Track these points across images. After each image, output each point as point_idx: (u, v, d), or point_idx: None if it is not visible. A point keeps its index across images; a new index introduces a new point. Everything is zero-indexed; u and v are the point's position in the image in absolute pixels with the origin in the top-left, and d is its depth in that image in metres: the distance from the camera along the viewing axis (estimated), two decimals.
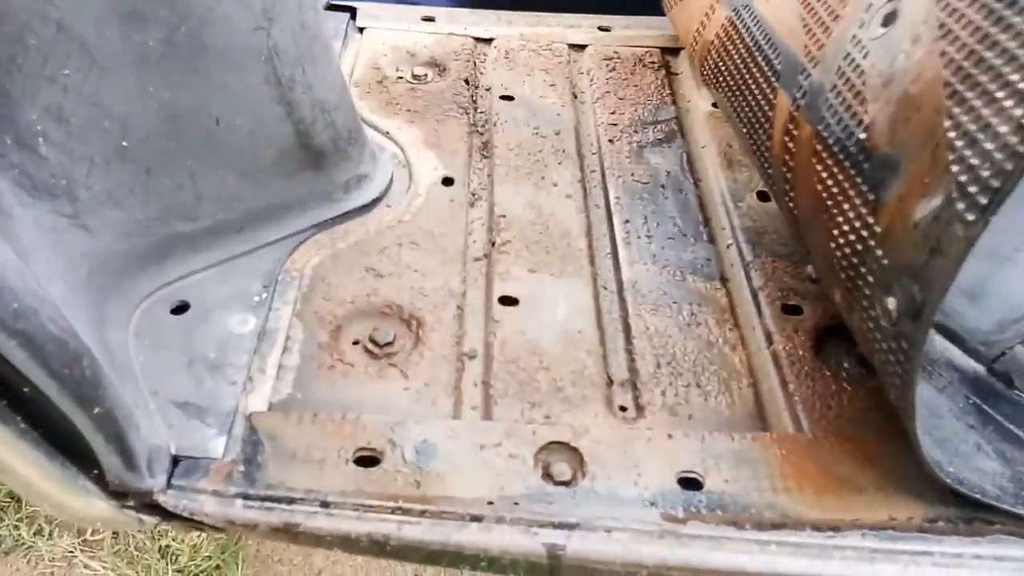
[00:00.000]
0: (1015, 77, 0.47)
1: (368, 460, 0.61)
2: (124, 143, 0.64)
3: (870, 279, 0.59)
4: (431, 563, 0.60)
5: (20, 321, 0.45)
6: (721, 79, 0.91)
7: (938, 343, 0.72)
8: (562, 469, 0.61)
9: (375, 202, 0.85)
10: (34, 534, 1.23)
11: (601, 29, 1.18)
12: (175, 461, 0.60)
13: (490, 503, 0.59)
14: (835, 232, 0.63)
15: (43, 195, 0.60)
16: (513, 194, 0.89)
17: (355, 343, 0.71)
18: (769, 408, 0.68)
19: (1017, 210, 0.69)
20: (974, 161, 0.48)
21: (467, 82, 1.05)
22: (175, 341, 0.69)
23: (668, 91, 1.06)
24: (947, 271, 0.49)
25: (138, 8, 0.59)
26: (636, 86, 1.07)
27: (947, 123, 0.51)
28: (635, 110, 1.03)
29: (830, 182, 0.64)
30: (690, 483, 0.61)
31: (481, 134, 0.97)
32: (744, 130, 0.84)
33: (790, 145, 0.72)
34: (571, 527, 0.58)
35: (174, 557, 1.21)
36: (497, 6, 1.21)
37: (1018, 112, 0.46)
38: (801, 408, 0.67)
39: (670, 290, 0.79)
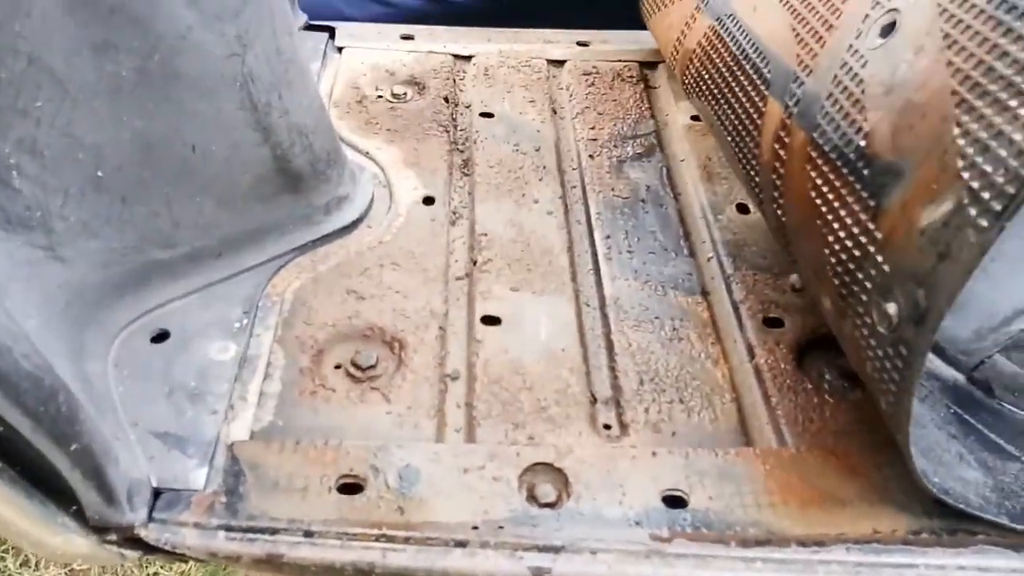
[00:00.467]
0: None
1: (351, 487, 0.60)
2: (99, 173, 0.64)
3: (868, 285, 0.59)
4: None
5: None
6: (704, 88, 0.92)
7: None
8: (547, 490, 0.61)
9: (356, 223, 0.85)
10: (20, 565, 1.22)
11: (580, 44, 1.19)
12: (156, 494, 0.60)
13: (475, 527, 0.59)
14: (830, 238, 0.64)
15: (17, 228, 0.60)
16: (494, 212, 0.89)
17: (337, 367, 0.71)
18: (752, 423, 0.68)
19: None
20: (987, 168, 0.48)
21: (447, 100, 1.05)
22: (155, 370, 0.68)
23: (647, 105, 1.07)
24: (957, 276, 0.50)
25: (109, 38, 0.59)
26: (615, 100, 1.07)
27: (956, 130, 0.52)
28: (614, 125, 1.03)
29: (825, 188, 0.65)
30: (675, 501, 0.61)
31: (461, 152, 0.98)
32: (729, 139, 0.85)
33: (781, 152, 0.72)
34: (556, 550, 0.58)
35: None
36: (476, 23, 1.22)
37: None
38: (784, 422, 0.68)
39: (652, 305, 0.79)
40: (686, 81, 0.97)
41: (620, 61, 1.15)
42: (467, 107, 1.05)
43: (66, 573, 1.20)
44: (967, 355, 0.70)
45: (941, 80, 0.53)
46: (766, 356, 0.73)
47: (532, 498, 0.61)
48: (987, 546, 0.60)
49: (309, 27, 1.16)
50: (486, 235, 0.86)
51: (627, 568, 0.57)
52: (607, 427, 0.68)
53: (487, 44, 1.17)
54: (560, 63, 1.15)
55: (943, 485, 0.59)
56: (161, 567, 1.18)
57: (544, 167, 0.96)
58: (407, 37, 1.17)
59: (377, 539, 0.58)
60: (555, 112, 1.06)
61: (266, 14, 0.69)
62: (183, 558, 0.59)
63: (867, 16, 0.64)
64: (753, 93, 0.79)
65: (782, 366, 0.72)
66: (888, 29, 0.61)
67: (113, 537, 0.58)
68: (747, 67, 0.81)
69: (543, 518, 0.59)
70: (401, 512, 0.59)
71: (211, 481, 0.60)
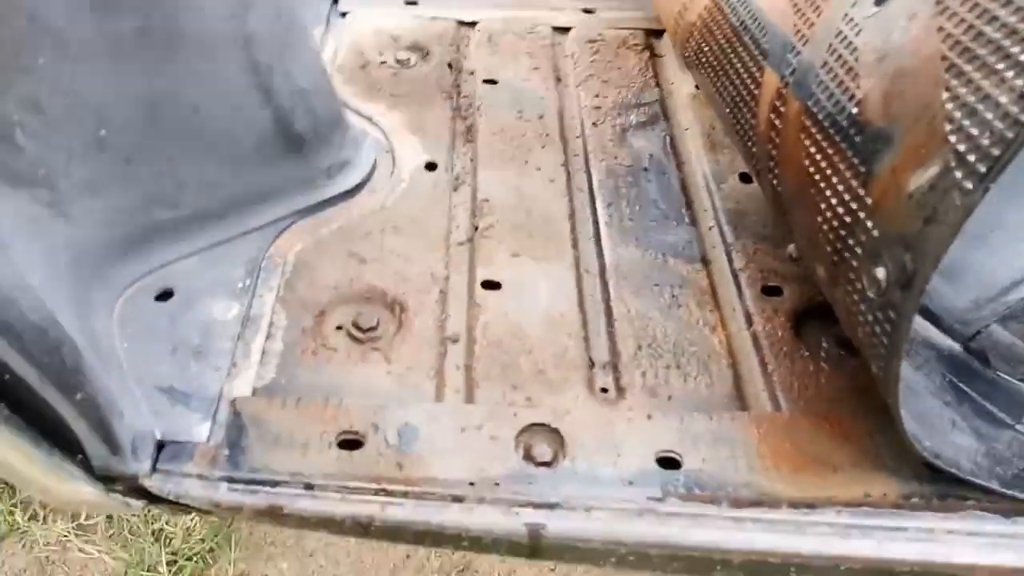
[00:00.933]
0: (1016, 49, 0.48)
1: (351, 443, 0.61)
2: (102, 132, 0.64)
3: (858, 251, 0.59)
4: (415, 543, 0.61)
5: None
6: (704, 60, 0.91)
7: (917, 322, 0.73)
8: (543, 450, 0.62)
9: (358, 188, 0.85)
10: (29, 519, 1.25)
11: (585, 11, 1.17)
12: (160, 446, 0.61)
13: (471, 484, 0.60)
14: (823, 206, 0.64)
15: (22, 184, 0.60)
16: (496, 178, 0.89)
17: (338, 328, 0.71)
18: (748, 388, 0.69)
19: (992, 194, 0.70)
20: (973, 131, 0.49)
21: (450, 66, 1.05)
22: (159, 328, 0.69)
23: (651, 73, 1.06)
24: (942, 239, 0.50)
25: None
26: (620, 69, 1.07)
27: (945, 95, 0.52)
28: (618, 93, 1.03)
29: (819, 156, 0.65)
30: (669, 463, 0.62)
31: (464, 118, 0.97)
32: (727, 110, 0.85)
33: (777, 123, 0.72)
34: (551, 507, 0.59)
35: (167, 540, 1.22)
36: None
37: (1019, 83, 0.47)
38: (779, 388, 0.68)
39: (652, 273, 0.80)
40: (687, 54, 0.97)
41: (626, 29, 1.14)
42: (471, 73, 1.05)
43: (74, 528, 1.22)
44: (964, 325, 0.70)
45: (932, 45, 0.53)
46: (764, 324, 0.74)
47: (529, 457, 0.62)
48: (977, 511, 0.60)
49: None
50: (488, 201, 0.86)
51: (620, 526, 0.59)
52: (604, 390, 0.69)
53: (492, 10, 1.16)
54: (565, 30, 1.14)
55: (935, 450, 0.59)
56: (166, 523, 1.21)
57: (547, 134, 0.96)
58: (411, 2, 1.16)
59: (376, 493, 0.59)
60: (559, 79, 1.05)
61: None
62: (186, 508, 0.60)
63: None
64: (751, 64, 0.79)
65: (779, 333, 0.73)
66: None
67: (118, 486, 0.59)
68: (746, 38, 0.81)
69: (539, 477, 0.61)
70: (400, 468, 0.60)
71: (214, 435, 0.62)
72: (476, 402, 0.67)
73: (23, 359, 0.48)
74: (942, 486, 0.61)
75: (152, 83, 0.65)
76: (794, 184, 0.70)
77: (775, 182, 0.75)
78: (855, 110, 0.61)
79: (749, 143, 0.80)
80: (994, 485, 0.60)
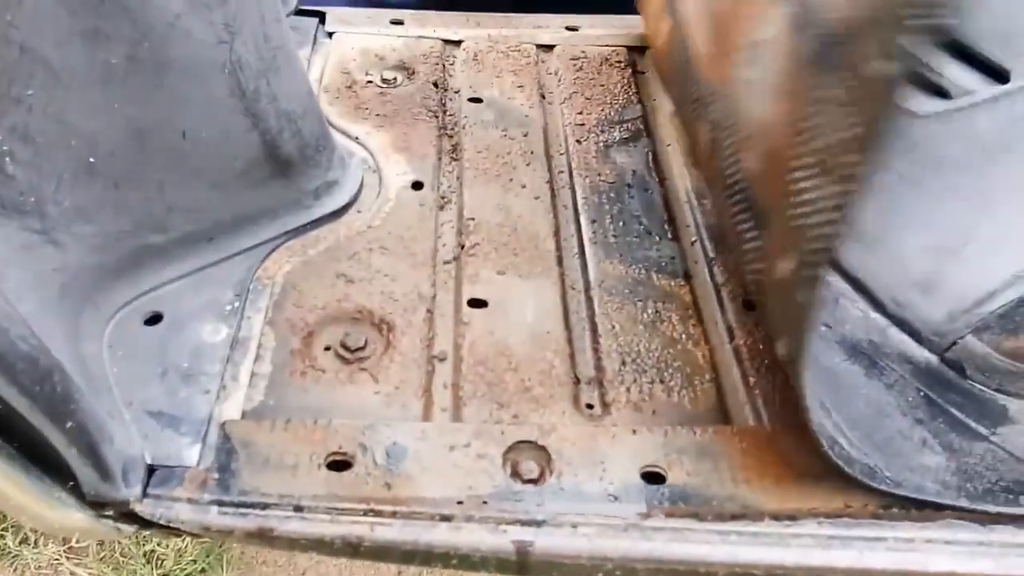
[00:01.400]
0: (829, 159, 0.48)
1: (340, 464, 0.62)
2: (91, 159, 0.65)
3: (768, 315, 0.61)
4: (404, 563, 0.62)
5: None
6: (668, 87, 0.93)
7: (893, 335, 0.74)
8: (530, 467, 0.63)
9: (345, 208, 0.86)
10: (20, 543, 1.24)
11: (569, 29, 1.19)
12: (151, 470, 0.61)
13: (459, 503, 0.61)
14: (746, 268, 0.66)
15: (12, 213, 0.61)
16: (482, 196, 0.91)
17: (327, 349, 0.72)
18: (731, 402, 0.70)
19: (965, 207, 0.72)
20: (811, 233, 0.50)
21: (436, 85, 1.06)
22: (149, 352, 0.70)
23: (634, 90, 1.08)
24: (806, 330, 0.52)
25: (99, 26, 0.60)
26: (603, 86, 1.09)
27: (792, 187, 0.53)
28: (602, 110, 1.04)
29: (733, 220, 0.67)
30: (654, 477, 0.63)
31: (450, 137, 0.99)
32: (688, 140, 0.87)
33: (710, 175, 0.74)
34: (538, 524, 0.60)
35: (159, 562, 1.22)
36: (466, 7, 1.22)
37: (835, 189, 0.47)
38: (761, 402, 0.70)
39: (636, 288, 0.81)
40: (661, 75, 0.99)
41: (608, 46, 1.15)
42: (456, 92, 1.06)
43: (65, 551, 1.22)
44: (940, 336, 0.72)
45: (785, 126, 0.54)
46: (746, 338, 0.75)
47: (516, 475, 0.63)
48: (954, 520, 0.62)
49: (299, 12, 1.16)
50: (474, 219, 0.87)
51: (606, 541, 0.60)
52: (590, 406, 0.70)
53: (476, 29, 1.18)
54: (549, 48, 1.16)
55: (896, 479, 0.61)
56: (158, 544, 1.21)
57: (532, 152, 0.97)
58: (397, 22, 1.17)
59: (365, 513, 0.60)
60: (543, 97, 1.07)
61: (253, 1, 0.70)
62: (177, 532, 0.61)
63: (754, 42, 0.65)
64: (692, 110, 0.80)
65: (761, 347, 0.74)
66: (758, 60, 0.62)
67: (109, 512, 0.60)
68: (688, 81, 0.82)
69: (526, 494, 0.62)
70: (388, 488, 0.61)
71: (204, 458, 0.62)
72: (464, 420, 0.68)
73: (13, 388, 0.49)
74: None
75: (141, 110, 0.66)
76: (730, 235, 0.72)
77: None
78: (745, 184, 0.62)
79: (704, 171, 0.82)
80: (963, 503, 0.61)
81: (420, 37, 1.15)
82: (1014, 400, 0.70)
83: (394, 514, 0.60)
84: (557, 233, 0.87)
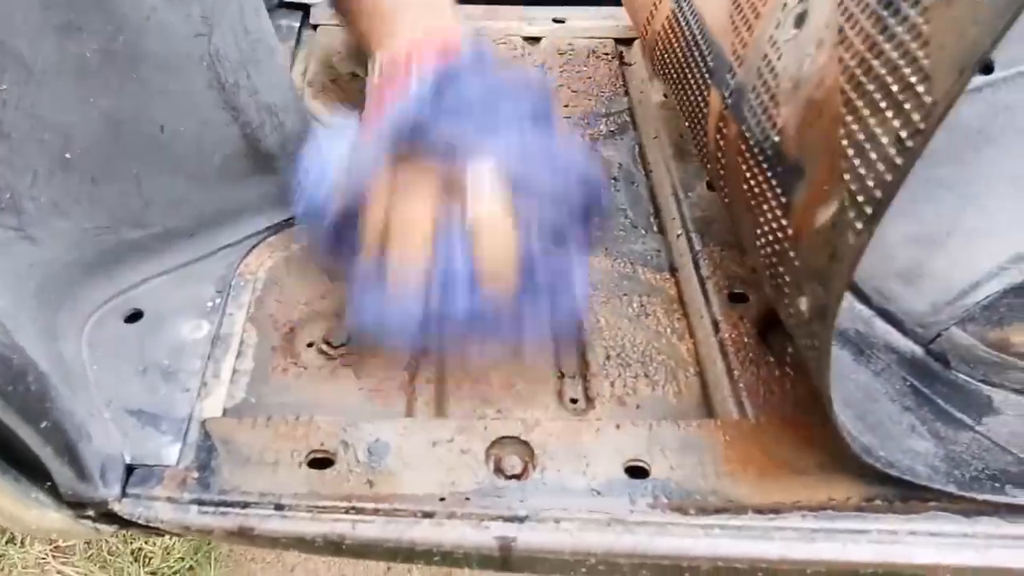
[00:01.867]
0: (896, 88, 0.47)
1: (321, 461, 0.62)
2: (67, 154, 0.64)
3: (787, 279, 0.60)
4: (387, 560, 0.62)
5: None
6: (665, 71, 0.92)
7: (879, 326, 0.74)
8: (513, 463, 0.63)
9: None
10: (5, 542, 1.23)
11: (556, 21, 1.19)
12: (130, 469, 0.61)
13: (442, 499, 0.60)
14: (758, 231, 0.65)
15: None
16: None
17: (309, 345, 0.72)
18: (715, 395, 0.70)
19: (949, 198, 0.71)
20: (862, 171, 0.49)
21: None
22: (129, 349, 0.69)
23: (621, 82, 1.08)
24: (842, 276, 0.51)
25: (72, 20, 0.59)
26: (590, 78, 1.08)
27: (841, 131, 0.52)
28: (589, 103, 1.04)
29: (752, 182, 0.66)
30: (637, 471, 0.63)
31: None
32: (686, 124, 0.86)
33: (721, 143, 0.73)
34: (521, 519, 0.59)
35: (147, 560, 1.22)
36: None
37: (896, 124, 0.46)
38: (746, 394, 0.69)
39: (621, 282, 0.81)
40: (653, 63, 0.98)
41: (595, 38, 1.15)
42: None
43: (51, 550, 1.22)
44: (925, 327, 0.72)
45: (833, 78, 0.53)
46: (730, 331, 0.75)
47: (499, 470, 0.63)
48: (938, 512, 0.62)
49: (283, 5, 1.15)
50: None
51: (589, 536, 0.59)
52: (574, 401, 0.70)
53: (463, 21, 1.16)
54: (536, 40, 1.15)
55: (889, 458, 0.61)
56: (145, 542, 1.20)
57: None
58: None
59: (347, 511, 0.59)
60: None
61: None
62: (158, 532, 0.60)
63: (785, 4, 0.64)
64: (700, 82, 0.80)
65: (745, 340, 0.74)
66: (801, 19, 0.61)
67: (88, 512, 0.59)
68: (696, 55, 0.82)
69: (509, 489, 0.61)
70: (370, 485, 0.61)
71: (184, 457, 0.62)
72: (447, 416, 0.67)
73: None
74: (904, 488, 0.62)
75: (117, 103, 0.65)
76: (738, 205, 0.71)
77: (726, 199, 0.76)
78: (776, 138, 0.61)
79: (704, 158, 0.81)
80: (951, 488, 0.61)
81: None
82: (999, 391, 0.70)
83: (376, 511, 0.59)
84: None
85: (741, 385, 0.70)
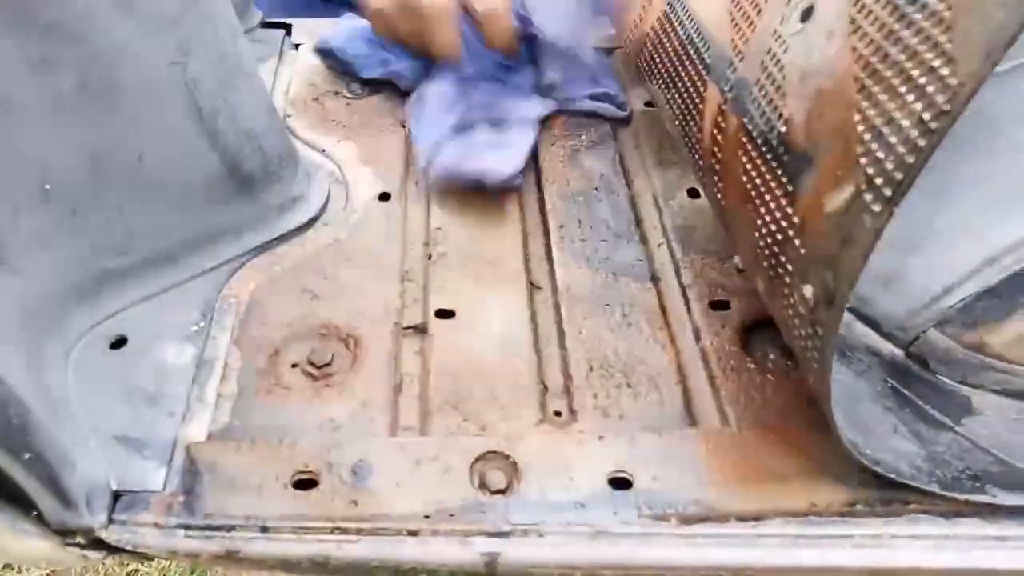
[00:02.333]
0: (916, 72, 0.49)
1: (306, 483, 0.62)
2: (46, 185, 0.65)
3: (790, 267, 0.61)
4: None
5: None
6: (656, 71, 0.93)
7: (858, 329, 0.75)
8: (497, 478, 0.63)
9: (312, 222, 0.86)
10: (3, 568, 1.24)
11: None
12: (116, 496, 0.61)
13: (427, 516, 0.61)
14: (759, 222, 0.66)
15: None
16: (450, 206, 0.91)
17: (293, 366, 0.72)
18: (697, 404, 0.71)
19: (923, 202, 0.72)
20: (880, 154, 0.50)
21: (404, 94, 1.06)
22: (114, 376, 0.70)
23: None
24: (856, 260, 0.52)
25: (47, 55, 0.60)
26: None
27: (856, 117, 0.53)
28: (569, 113, 1.04)
29: (754, 174, 0.67)
30: (620, 483, 0.64)
31: None
32: (677, 123, 0.87)
33: (719, 137, 0.74)
34: (505, 535, 0.60)
35: None
36: None
37: (918, 106, 0.48)
38: (727, 403, 0.70)
39: (603, 293, 0.81)
40: (641, 64, 0.99)
41: None
42: None
43: (47, 574, 1.22)
44: (903, 331, 0.72)
45: (846, 67, 0.55)
46: (712, 339, 0.75)
47: (483, 486, 0.63)
48: (919, 515, 0.62)
49: (265, 24, 1.16)
50: (440, 229, 0.87)
51: (574, 549, 0.60)
52: (557, 414, 0.70)
53: None
54: None
55: (874, 456, 0.61)
56: (141, 564, 1.21)
57: None
58: None
59: (331, 532, 0.60)
60: None
61: (207, 20, 0.70)
62: (146, 557, 0.61)
63: (790, 0, 0.66)
64: (696, 78, 0.81)
65: (727, 348, 0.75)
66: (807, 13, 0.63)
67: (75, 539, 0.60)
68: (691, 52, 0.83)
69: (493, 505, 0.62)
70: (355, 505, 0.61)
71: (169, 482, 0.62)
72: (431, 433, 0.68)
73: None
74: (885, 492, 0.63)
75: (94, 135, 0.66)
76: (734, 199, 0.72)
77: (719, 196, 0.77)
78: (783, 129, 0.62)
79: (696, 156, 0.82)
80: (934, 488, 0.62)
81: None
82: (977, 392, 0.70)
83: (360, 531, 0.60)
84: (525, 240, 0.87)
85: (723, 393, 0.71)
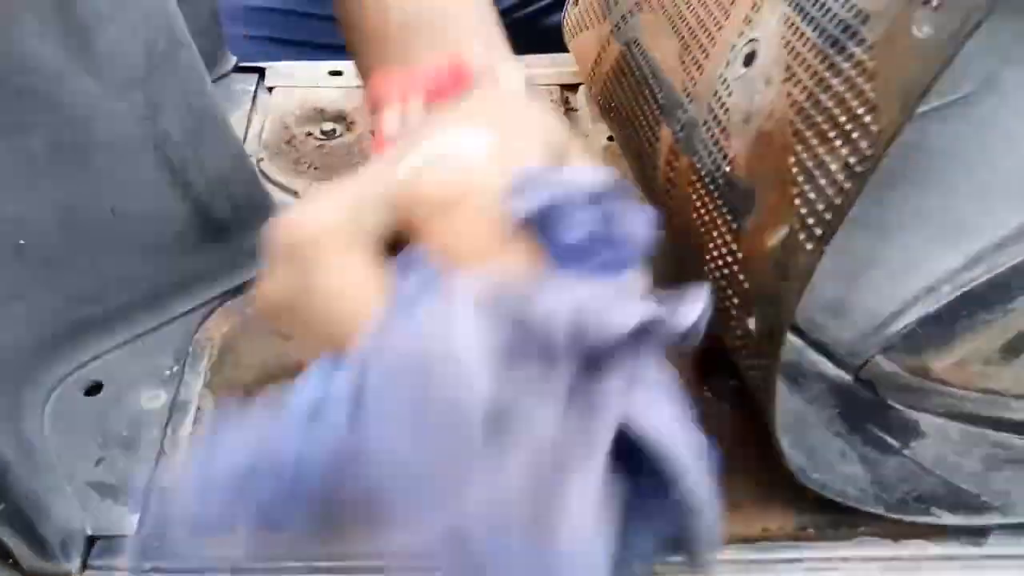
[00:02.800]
0: (843, 119, 0.52)
1: None
2: (20, 241, 0.67)
3: (736, 301, 0.64)
4: None
5: None
6: (613, 111, 0.97)
7: (810, 355, 0.78)
8: None
9: None
10: None
11: None
12: (91, 541, 0.63)
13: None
14: (707, 257, 0.69)
15: None
16: None
17: None
18: None
19: (869, 233, 0.75)
20: (811, 195, 0.54)
21: (374, 133, 1.09)
22: (89, 422, 0.72)
23: (567, 126, 1.11)
24: (792, 294, 0.55)
25: (19, 119, 0.62)
26: None
27: (791, 160, 0.56)
28: None
29: (703, 211, 0.70)
30: None
31: None
32: (634, 162, 0.90)
33: (671, 175, 0.77)
34: None
35: None
36: None
37: (845, 151, 0.51)
38: None
39: None
40: (601, 103, 1.02)
41: (541, 85, 1.19)
42: None
43: None
44: (853, 356, 0.75)
45: (783, 111, 0.58)
46: (671, 369, 0.78)
47: None
48: (867, 537, 0.65)
49: (239, 69, 1.19)
50: None
51: None
52: None
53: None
54: None
55: (821, 481, 0.64)
56: None
57: None
58: (335, 73, 1.20)
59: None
60: None
61: (174, 75, 0.73)
62: None
63: (734, 45, 0.69)
64: (651, 118, 0.84)
65: (685, 377, 0.77)
66: (750, 58, 0.66)
67: None
68: (647, 93, 0.86)
69: None
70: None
71: (144, 526, 0.64)
72: None
73: None
74: (834, 516, 0.66)
75: (68, 191, 0.69)
76: (685, 235, 0.75)
77: (672, 231, 0.80)
78: (728, 168, 0.66)
79: (651, 194, 0.85)
80: (879, 511, 0.64)
81: (359, 86, 1.18)
82: (924, 415, 0.73)
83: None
84: None
85: None
